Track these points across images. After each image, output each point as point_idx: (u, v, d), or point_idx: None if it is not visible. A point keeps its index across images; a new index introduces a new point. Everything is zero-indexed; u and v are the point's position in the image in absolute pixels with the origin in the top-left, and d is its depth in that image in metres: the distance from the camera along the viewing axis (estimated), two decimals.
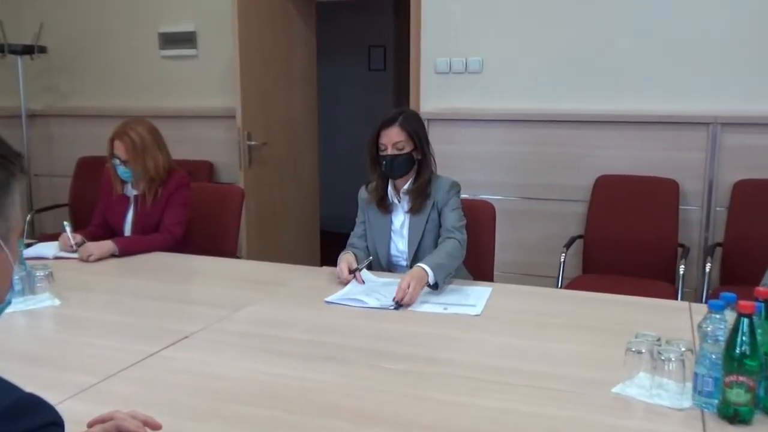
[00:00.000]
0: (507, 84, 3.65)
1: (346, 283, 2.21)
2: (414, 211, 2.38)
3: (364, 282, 2.22)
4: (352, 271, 2.23)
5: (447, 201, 2.37)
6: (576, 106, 3.53)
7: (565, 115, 3.53)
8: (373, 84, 6.27)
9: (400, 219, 2.43)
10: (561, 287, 3.17)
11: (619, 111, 3.45)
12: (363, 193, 2.51)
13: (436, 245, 2.35)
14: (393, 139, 2.31)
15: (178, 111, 4.30)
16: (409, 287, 2.02)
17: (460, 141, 3.70)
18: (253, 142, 3.81)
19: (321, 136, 4.79)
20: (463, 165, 3.63)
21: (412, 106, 3.77)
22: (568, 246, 3.35)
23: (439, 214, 2.37)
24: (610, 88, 3.46)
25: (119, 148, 2.68)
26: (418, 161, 2.37)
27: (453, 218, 2.35)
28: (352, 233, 2.51)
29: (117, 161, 2.70)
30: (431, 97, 3.76)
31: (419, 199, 2.37)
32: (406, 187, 2.40)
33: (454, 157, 3.60)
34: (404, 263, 2.43)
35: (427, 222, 2.37)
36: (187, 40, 4.31)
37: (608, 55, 3.45)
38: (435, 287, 2.13)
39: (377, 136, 2.34)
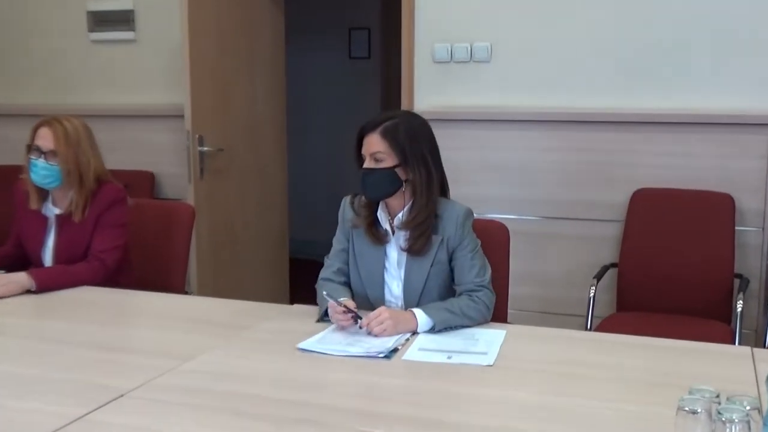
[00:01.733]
0: (522, 76, 3.67)
1: (344, 325, 2.13)
2: (413, 253, 2.25)
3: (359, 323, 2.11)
4: (350, 311, 2.11)
5: (461, 240, 2.23)
6: (608, 104, 3.55)
7: (595, 115, 3.55)
8: (355, 76, 6.30)
9: (395, 253, 2.31)
10: (591, 329, 3.19)
11: (661, 110, 3.48)
12: (347, 210, 2.36)
13: (446, 293, 2.26)
14: (370, 149, 2.20)
15: (112, 109, 4.29)
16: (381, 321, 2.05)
17: (463, 146, 3.71)
18: (205, 148, 3.81)
19: (291, 140, 4.79)
20: (468, 176, 3.64)
21: (405, 102, 3.79)
22: (599, 277, 3.36)
23: (450, 256, 2.25)
24: (649, 82, 3.49)
25: (45, 136, 2.65)
26: (409, 183, 2.22)
27: (473, 270, 2.22)
28: (326, 264, 2.37)
29: (36, 158, 2.64)
30: (428, 91, 3.77)
31: (421, 239, 2.22)
32: (400, 216, 2.26)
33: (456, 166, 3.54)
34: None
35: (432, 264, 2.25)
36: (123, 20, 4.31)
37: (648, 41, 3.48)
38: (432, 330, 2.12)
39: (359, 144, 2.25)
